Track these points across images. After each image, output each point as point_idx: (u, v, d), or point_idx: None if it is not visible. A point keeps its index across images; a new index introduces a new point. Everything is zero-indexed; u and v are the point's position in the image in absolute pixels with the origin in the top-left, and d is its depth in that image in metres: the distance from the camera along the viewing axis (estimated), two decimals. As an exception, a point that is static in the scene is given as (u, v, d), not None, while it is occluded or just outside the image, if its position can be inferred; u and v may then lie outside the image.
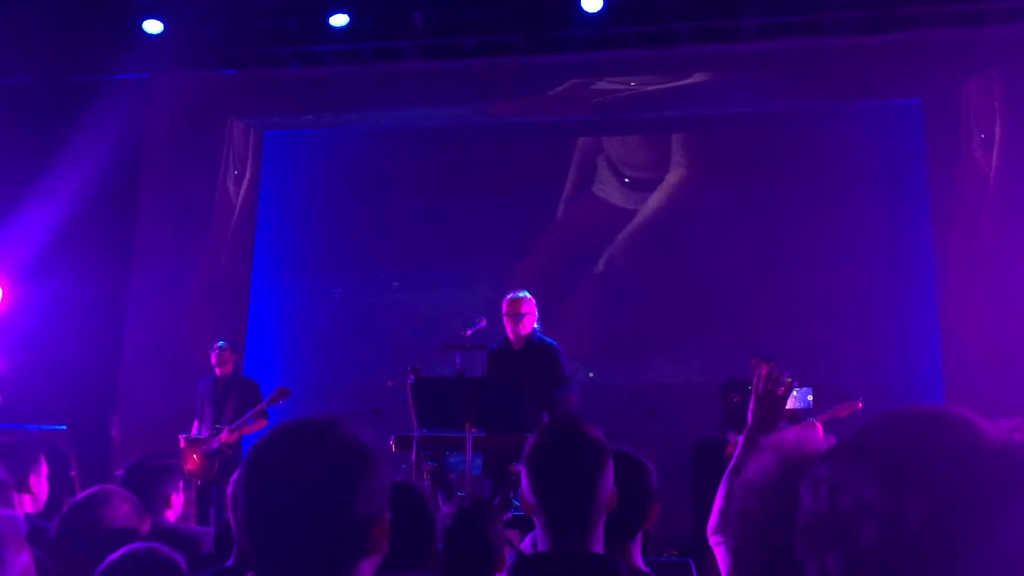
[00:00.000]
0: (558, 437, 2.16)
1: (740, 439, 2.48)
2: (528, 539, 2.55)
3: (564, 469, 2.09)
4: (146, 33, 7.34)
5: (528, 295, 6.12)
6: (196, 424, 7.39)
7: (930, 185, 8.20)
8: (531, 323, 6.07)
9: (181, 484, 3.29)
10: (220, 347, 7.42)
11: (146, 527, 2.42)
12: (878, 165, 8.69)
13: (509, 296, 6.12)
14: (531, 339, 6.07)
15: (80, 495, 2.47)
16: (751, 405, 2.47)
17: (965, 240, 7.78)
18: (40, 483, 3.30)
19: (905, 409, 0.93)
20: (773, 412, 2.46)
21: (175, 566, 2.00)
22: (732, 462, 2.45)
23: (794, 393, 6.10)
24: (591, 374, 7.15)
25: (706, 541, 2.46)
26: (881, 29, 7.00)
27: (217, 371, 7.37)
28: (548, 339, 6.13)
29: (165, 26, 7.31)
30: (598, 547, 2.11)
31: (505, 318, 6.06)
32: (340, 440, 1.42)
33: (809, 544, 0.92)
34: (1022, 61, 7.37)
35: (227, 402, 7.22)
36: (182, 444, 7.16)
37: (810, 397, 6.64)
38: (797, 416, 6.29)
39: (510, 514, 5.00)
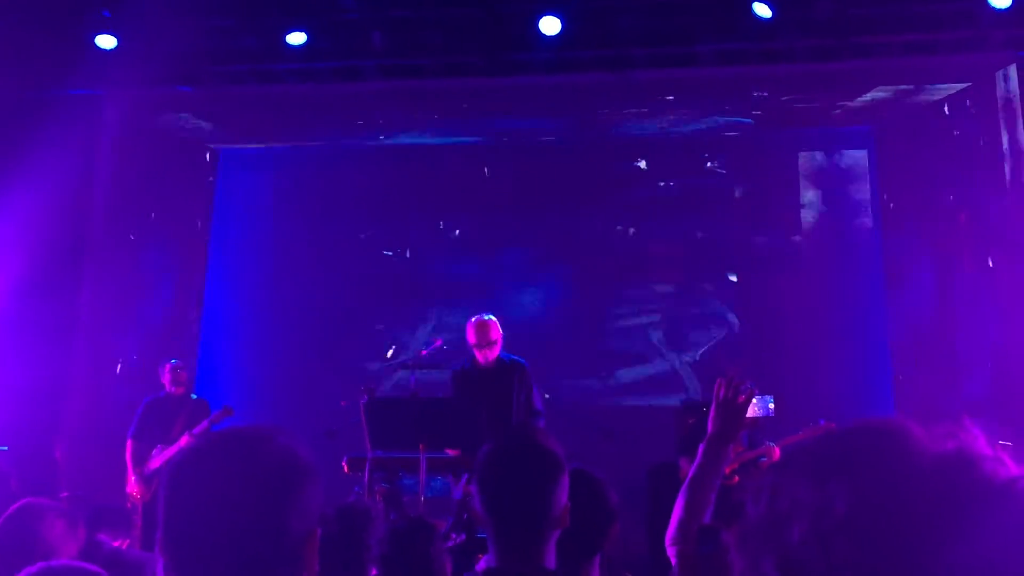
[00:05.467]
0: (510, 448, 2.06)
1: (700, 447, 2.45)
2: (483, 561, 2.49)
3: (515, 481, 1.99)
4: (99, 48, 7.22)
5: (493, 318, 6.05)
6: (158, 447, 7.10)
7: (881, 209, 8.35)
8: (499, 348, 6.00)
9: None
10: (174, 365, 7.21)
11: (80, 543, 2.32)
12: (829, 188, 8.84)
13: (475, 321, 6.01)
14: (499, 358, 6.02)
15: (9, 509, 2.36)
16: (711, 412, 2.45)
17: (915, 260, 7.91)
18: None
19: (849, 423, 0.97)
20: (734, 420, 2.44)
21: None
22: (692, 471, 2.41)
23: (755, 400, 6.09)
24: (546, 395, 7.12)
25: (662, 563, 2.42)
26: (834, 57, 7.12)
27: (170, 389, 7.15)
28: (516, 357, 6.09)
29: (119, 41, 7.20)
30: (549, 563, 2.01)
31: (474, 348, 5.97)
32: (274, 452, 1.31)
33: (746, 549, 0.93)
34: (973, 91, 7.53)
35: (175, 422, 6.98)
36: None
37: (771, 405, 6.63)
38: (759, 424, 6.26)
39: (463, 536, 4.93)
